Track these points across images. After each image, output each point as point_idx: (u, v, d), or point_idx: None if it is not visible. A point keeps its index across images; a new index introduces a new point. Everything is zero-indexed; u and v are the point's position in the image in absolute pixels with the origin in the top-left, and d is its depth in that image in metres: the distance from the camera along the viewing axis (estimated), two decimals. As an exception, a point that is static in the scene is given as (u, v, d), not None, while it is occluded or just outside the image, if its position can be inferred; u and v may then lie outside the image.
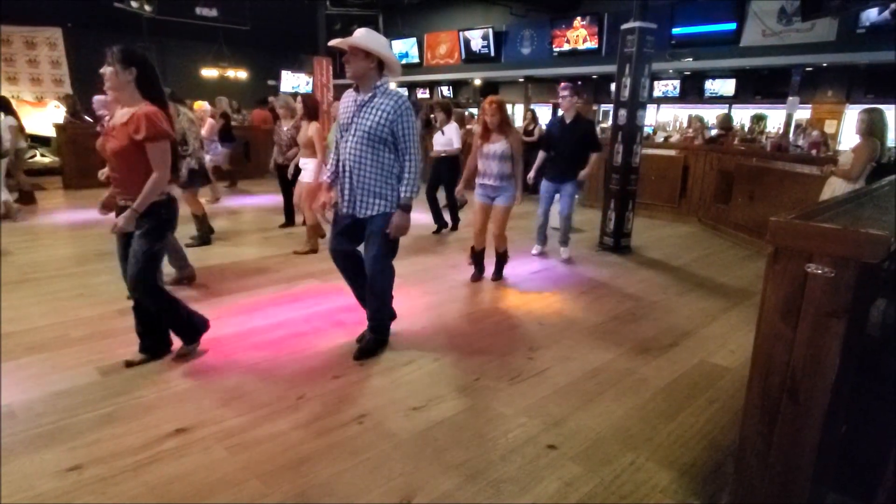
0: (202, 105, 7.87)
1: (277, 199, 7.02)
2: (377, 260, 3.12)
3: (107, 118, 3.91)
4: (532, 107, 12.43)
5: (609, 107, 12.76)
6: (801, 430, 1.59)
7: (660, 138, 10.77)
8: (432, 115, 7.08)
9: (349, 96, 3.08)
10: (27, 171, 9.87)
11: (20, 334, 3.40)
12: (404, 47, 16.54)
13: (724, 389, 3.01)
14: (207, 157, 7.50)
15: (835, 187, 4.66)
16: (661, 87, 13.59)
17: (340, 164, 3.09)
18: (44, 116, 11.66)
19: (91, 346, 3.24)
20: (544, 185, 5.47)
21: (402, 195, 3.02)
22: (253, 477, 2.15)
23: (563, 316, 4.02)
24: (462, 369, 3.13)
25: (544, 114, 15.29)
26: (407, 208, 3.03)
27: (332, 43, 3.04)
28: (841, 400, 1.59)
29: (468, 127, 9.02)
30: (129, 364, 2.98)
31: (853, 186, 4.40)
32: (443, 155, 6.49)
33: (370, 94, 2.96)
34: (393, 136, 2.96)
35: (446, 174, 6.52)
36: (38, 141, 11.47)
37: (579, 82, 15.29)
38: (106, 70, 2.62)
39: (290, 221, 6.72)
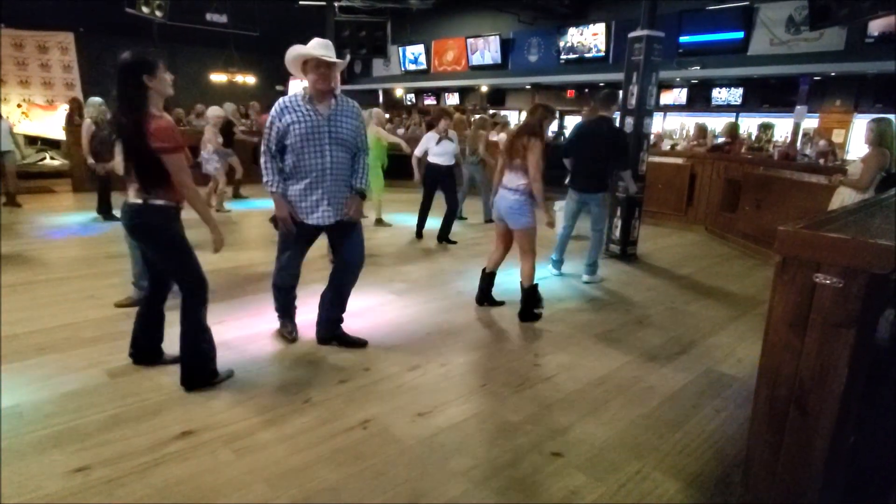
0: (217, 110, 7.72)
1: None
2: (362, 253, 3.40)
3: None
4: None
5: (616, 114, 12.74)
6: (809, 440, 1.59)
7: (666, 146, 10.75)
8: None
9: (296, 105, 3.03)
10: (37, 174, 10.02)
11: (30, 335, 3.43)
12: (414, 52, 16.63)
13: (732, 399, 2.99)
14: (214, 166, 7.52)
15: (844, 197, 4.65)
16: (668, 97, 13.57)
17: (314, 173, 3.08)
18: (54, 120, 11.78)
19: (100, 348, 3.27)
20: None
21: (359, 187, 3.24)
22: (259, 480, 2.16)
23: (570, 323, 4.01)
24: (468, 375, 3.13)
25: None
26: (363, 195, 3.29)
27: (328, 59, 3.00)
28: (850, 411, 1.58)
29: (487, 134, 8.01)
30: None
31: (863, 196, 4.38)
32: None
33: (335, 103, 3.09)
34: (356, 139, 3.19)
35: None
36: (49, 144, 11.59)
37: (586, 90, 15.33)
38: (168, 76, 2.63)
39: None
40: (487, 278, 4.28)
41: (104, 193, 6.93)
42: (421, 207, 6.60)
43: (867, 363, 1.60)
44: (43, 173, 10.23)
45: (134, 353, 3.05)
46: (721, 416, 2.82)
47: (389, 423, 2.60)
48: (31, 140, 11.76)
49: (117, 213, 6.30)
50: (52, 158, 10.94)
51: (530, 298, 4.02)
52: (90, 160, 6.41)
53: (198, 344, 2.80)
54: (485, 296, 4.29)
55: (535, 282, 4.02)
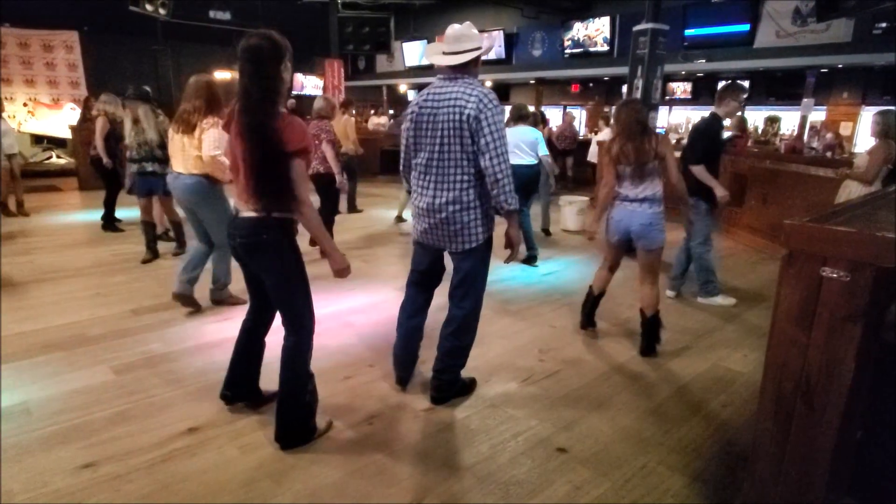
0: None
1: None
2: None
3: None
4: (542, 108, 12.40)
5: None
6: (815, 435, 1.58)
7: (671, 140, 10.71)
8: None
9: None
10: (43, 173, 10.08)
11: (37, 333, 3.45)
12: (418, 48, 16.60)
13: (737, 394, 2.98)
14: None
15: (850, 190, 4.61)
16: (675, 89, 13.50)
17: None
18: (60, 118, 11.84)
19: (106, 345, 3.29)
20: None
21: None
22: (264, 476, 2.17)
23: (574, 318, 4.00)
24: (472, 371, 3.12)
25: (555, 116, 15.24)
26: None
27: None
28: (857, 405, 1.57)
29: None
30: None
31: (869, 189, 4.34)
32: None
33: None
34: None
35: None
36: (54, 142, 11.66)
37: (591, 84, 15.26)
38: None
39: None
40: (595, 301, 3.70)
41: (111, 200, 6.40)
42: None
43: (874, 357, 1.59)
44: (49, 172, 10.30)
45: (229, 393, 2.60)
46: (727, 411, 2.80)
47: (394, 419, 2.61)
48: (38, 139, 11.84)
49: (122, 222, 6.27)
50: (58, 157, 11.01)
51: (654, 329, 3.43)
52: (106, 159, 6.23)
53: (298, 395, 2.33)
54: (590, 320, 3.76)
55: (657, 309, 3.43)
